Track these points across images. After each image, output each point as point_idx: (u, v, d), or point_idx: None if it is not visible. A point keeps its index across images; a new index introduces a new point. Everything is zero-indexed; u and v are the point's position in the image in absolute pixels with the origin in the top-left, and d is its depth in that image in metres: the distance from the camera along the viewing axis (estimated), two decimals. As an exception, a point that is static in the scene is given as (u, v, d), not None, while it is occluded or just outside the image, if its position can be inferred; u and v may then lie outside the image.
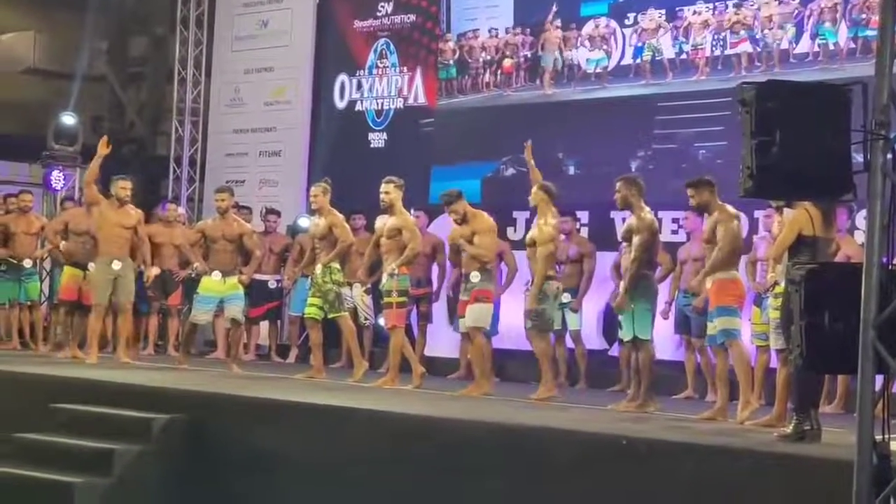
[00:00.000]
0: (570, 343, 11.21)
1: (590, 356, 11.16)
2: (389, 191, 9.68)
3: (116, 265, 10.75)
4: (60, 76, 16.50)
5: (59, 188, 14.42)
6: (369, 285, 11.43)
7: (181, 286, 12.50)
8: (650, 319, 8.49)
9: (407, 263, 9.68)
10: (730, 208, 8.02)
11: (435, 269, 11.72)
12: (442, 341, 12.00)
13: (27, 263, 12.45)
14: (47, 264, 13.06)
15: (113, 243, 10.81)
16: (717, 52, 11.41)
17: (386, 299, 9.71)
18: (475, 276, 9.28)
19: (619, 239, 8.87)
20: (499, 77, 12.93)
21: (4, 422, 8.60)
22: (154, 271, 12.17)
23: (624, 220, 9.01)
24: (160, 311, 12.78)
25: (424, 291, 11.55)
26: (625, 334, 8.54)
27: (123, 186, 10.98)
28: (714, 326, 8.00)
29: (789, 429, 6.77)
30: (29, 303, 12.63)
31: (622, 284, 8.56)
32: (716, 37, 11.43)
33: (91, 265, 11.08)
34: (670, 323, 10.32)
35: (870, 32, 10.04)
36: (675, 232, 10.99)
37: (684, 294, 9.87)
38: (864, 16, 10.41)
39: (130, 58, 17.78)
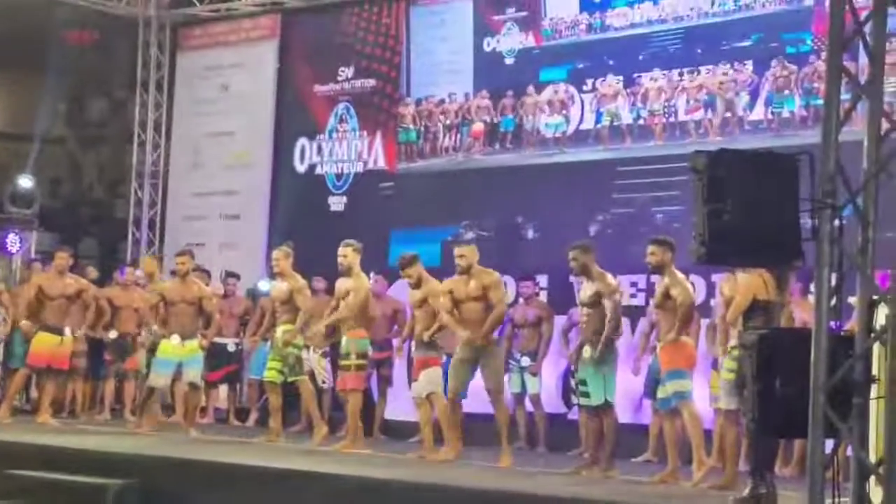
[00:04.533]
0: (529, 406, 11.21)
1: (549, 420, 11.16)
2: (347, 254, 9.69)
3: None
4: (18, 138, 16.47)
5: (14, 251, 14.31)
6: (327, 348, 11.41)
7: (139, 350, 12.39)
8: (615, 383, 8.52)
9: (339, 322, 9.66)
10: (679, 274, 8.12)
11: (396, 331, 11.70)
12: (403, 404, 11.96)
13: (-16, 327, 12.33)
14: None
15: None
16: (673, 119, 11.59)
17: (343, 362, 9.67)
18: (414, 346, 9.34)
19: (580, 303, 8.86)
20: (461, 141, 13.03)
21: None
22: (112, 335, 12.13)
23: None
24: (117, 375, 12.67)
25: (386, 355, 11.54)
26: (594, 399, 8.46)
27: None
28: (666, 390, 8.06)
29: (745, 492, 6.79)
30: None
31: (603, 335, 8.38)
32: (670, 104, 11.61)
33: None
34: (626, 386, 10.33)
35: (820, 101, 10.20)
36: (633, 295, 11.05)
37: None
38: (815, 85, 10.61)
39: (89, 120, 17.79)
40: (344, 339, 9.74)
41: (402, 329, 11.41)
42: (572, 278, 11.02)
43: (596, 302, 8.47)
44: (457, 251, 9.19)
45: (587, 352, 8.48)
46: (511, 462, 8.83)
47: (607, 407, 8.42)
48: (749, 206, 5.05)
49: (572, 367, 10.60)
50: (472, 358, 8.94)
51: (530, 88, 12.58)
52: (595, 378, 8.43)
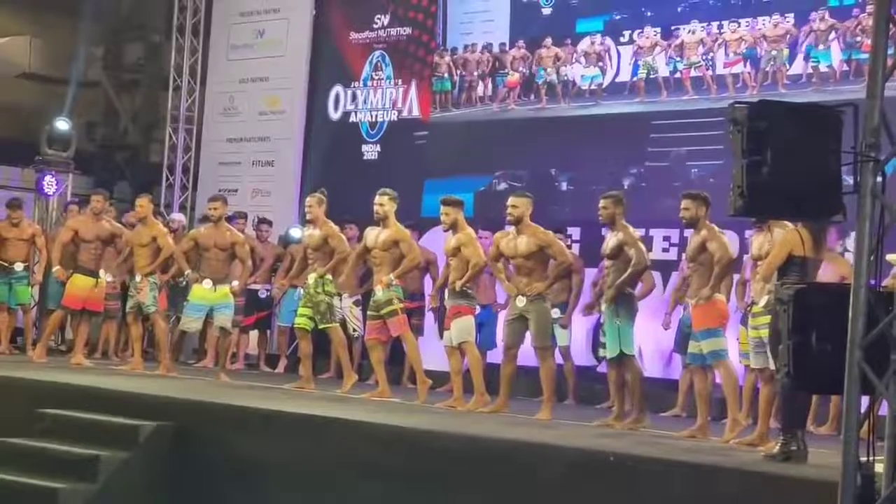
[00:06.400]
0: (559, 359, 11.20)
1: (578, 372, 11.16)
2: (384, 203, 9.63)
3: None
4: (55, 81, 16.50)
5: (50, 193, 14.41)
6: (359, 297, 11.42)
7: (166, 291, 12.43)
8: (633, 335, 8.48)
9: (405, 273, 9.66)
10: (717, 229, 8.05)
11: (427, 282, 11.71)
12: (433, 354, 11.98)
13: (18, 267, 12.41)
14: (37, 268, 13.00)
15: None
16: (711, 72, 11.45)
17: (387, 308, 9.60)
18: (447, 294, 9.33)
19: (603, 255, 8.81)
20: (496, 91, 12.95)
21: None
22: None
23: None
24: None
25: (417, 305, 11.54)
26: (610, 351, 8.49)
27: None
28: (700, 347, 8.01)
29: (776, 449, 6.78)
30: (19, 306, 12.59)
31: (608, 291, 8.46)
32: (709, 56, 11.48)
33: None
34: (656, 340, 10.31)
35: (863, 56, 10.08)
36: (665, 250, 10.99)
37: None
38: (857, 39, 10.46)
39: (126, 64, 17.81)
40: (379, 289, 9.67)
41: (435, 280, 11.43)
42: (604, 230, 10.99)
43: (617, 253, 8.43)
44: (510, 201, 9.01)
45: (608, 292, 8.43)
46: (550, 416, 8.75)
47: (623, 359, 8.37)
48: (789, 158, 4.97)
49: (601, 319, 10.61)
50: (520, 315, 8.90)
51: (548, 41, 12.48)
52: (610, 329, 8.42)
